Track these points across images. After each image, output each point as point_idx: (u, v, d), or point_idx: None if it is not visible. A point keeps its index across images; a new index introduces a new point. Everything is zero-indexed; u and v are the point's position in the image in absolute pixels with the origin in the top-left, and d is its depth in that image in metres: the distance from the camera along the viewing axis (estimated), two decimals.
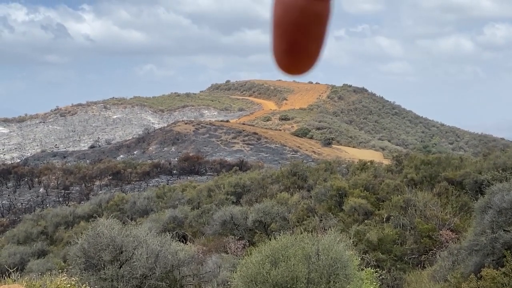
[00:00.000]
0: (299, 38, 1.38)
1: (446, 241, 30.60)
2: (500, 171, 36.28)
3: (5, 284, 16.85)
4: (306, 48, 1.39)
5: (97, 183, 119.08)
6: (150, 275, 21.93)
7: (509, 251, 20.99)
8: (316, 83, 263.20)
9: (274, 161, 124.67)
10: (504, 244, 21.54)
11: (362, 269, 22.09)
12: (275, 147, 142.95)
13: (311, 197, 44.68)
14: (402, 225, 34.00)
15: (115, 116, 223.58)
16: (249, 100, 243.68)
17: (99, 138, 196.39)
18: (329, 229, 24.67)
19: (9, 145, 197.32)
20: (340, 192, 40.91)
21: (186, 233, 43.89)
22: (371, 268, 23.34)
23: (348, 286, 18.49)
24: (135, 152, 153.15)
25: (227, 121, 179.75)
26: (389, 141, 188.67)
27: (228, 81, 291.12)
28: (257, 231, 39.93)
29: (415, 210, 34.57)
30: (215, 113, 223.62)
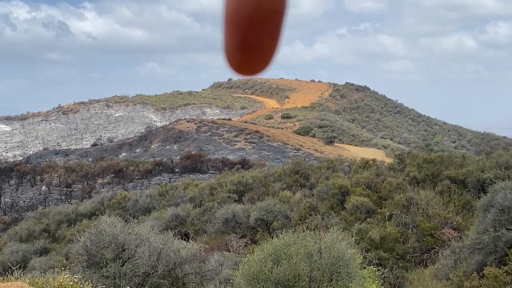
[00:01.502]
0: (252, 34, 1.31)
1: (449, 240, 30.58)
2: (503, 170, 36.25)
3: (8, 282, 16.86)
4: (260, 45, 1.32)
5: (99, 181, 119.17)
6: (153, 273, 21.95)
7: (511, 250, 20.97)
8: (319, 81, 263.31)
9: (276, 159, 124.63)
10: (507, 242, 21.52)
11: (364, 268, 22.08)
12: (277, 145, 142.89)
13: (313, 195, 44.67)
14: (404, 224, 33.97)
15: (117, 114, 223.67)
16: (251, 98, 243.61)
17: (101, 136, 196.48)
18: (331, 227, 24.66)
19: (11, 143, 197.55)
20: (342, 191, 40.89)
21: (188, 231, 43.91)
22: (373, 267, 23.33)
23: (350, 284, 18.48)
24: (137, 150, 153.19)
25: (229, 119, 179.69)
26: (391, 139, 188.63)
27: (230, 79, 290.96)
28: (259, 229, 39.93)
29: (417, 209, 34.54)
30: (217, 111, 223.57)
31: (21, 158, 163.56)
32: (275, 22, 1.32)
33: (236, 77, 1.43)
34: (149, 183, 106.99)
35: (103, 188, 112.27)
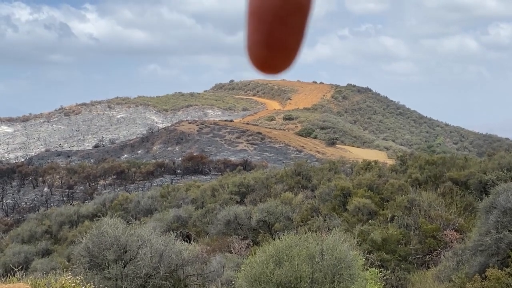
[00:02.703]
0: (277, 28, 1.25)
1: (451, 241, 30.55)
2: (505, 171, 36.21)
3: (10, 283, 16.87)
4: (284, 41, 1.26)
5: (101, 182, 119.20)
6: (154, 274, 21.94)
7: None
8: (320, 83, 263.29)
9: (278, 160, 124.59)
10: (509, 244, 21.49)
11: (367, 269, 22.06)
12: (279, 146, 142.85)
13: (315, 197, 44.66)
14: (407, 225, 33.94)
15: (119, 116, 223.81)
16: (253, 99, 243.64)
17: (103, 137, 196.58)
18: (333, 229, 24.64)
19: (13, 144, 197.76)
20: (344, 192, 40.87)
21: (190, 233, 43.91)
22: (375, 268, 23.31)
23: (352, 286, 18.46)
24: (139, 152, 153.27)
25: (231, 120, 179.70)
26: (393, 141, 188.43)
27: (232, 81, 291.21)
28: (261, 230, 39.92)
29: (420, 210, 34.51)
30: (219, 113, 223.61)
31: (23, 160, 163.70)
32: (301, 17, 1.27)
33: (258, 75, 1.35)
34: (151, 185, 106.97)
35: (105, 189, 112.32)
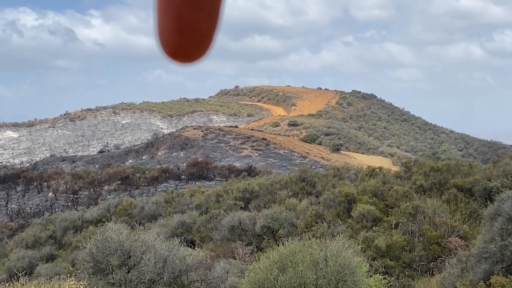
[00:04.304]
0: (186, 10, 1.14)
1: (455, 248, 30.46)
2: (510, 178, 36.10)
3: None
4: (197, 25, 1.16)
5: (106, 187, 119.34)
6: (158, 280, 21.95)
7: None
8: (325, 89, 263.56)
9: (282, 166, 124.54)
10: None
11: (371, 276, 22.02)
12: (284, 153, 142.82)
13: (319, 203, 44.61)
14: (411, 232, 33.86)
15: (124, 121, 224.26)
16: (258, 105, 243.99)
17: (108, 143, 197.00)
18: (338, 235, 24.60)
19: (18, 149, 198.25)
20: (348, 199, 40.82)
21: (194, 238, 43.89)
22: (379, 275, 23.26)
23: None
24: (143, 157, 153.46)
25: (236, 126, 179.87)
26: (398, 147, 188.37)
27: (237, 87, 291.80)
28: (265, 237, 39.89)
29: (424, 217, 34.43)
30: (223, 119, 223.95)
31: (28, 165, 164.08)
32: None
33: (172, 64, 1.24)
34: (156, 190, 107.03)
35: (109, 195, 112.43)
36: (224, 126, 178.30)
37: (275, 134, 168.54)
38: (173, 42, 1.16)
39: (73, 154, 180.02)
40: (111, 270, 21.60)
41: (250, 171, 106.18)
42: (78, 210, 79.02)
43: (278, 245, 21.09)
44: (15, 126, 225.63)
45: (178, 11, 1.14)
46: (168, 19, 1.14)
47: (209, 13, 1.16)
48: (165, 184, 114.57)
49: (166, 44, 1.16)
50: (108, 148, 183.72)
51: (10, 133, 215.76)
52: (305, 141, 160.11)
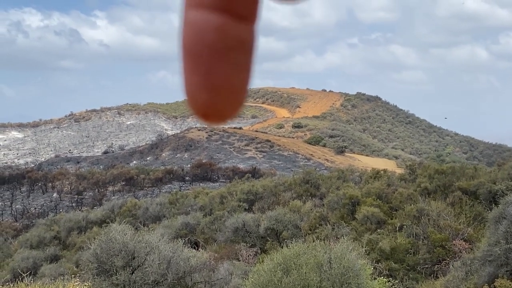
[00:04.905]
0: (216, 66, 1.02)
1: (460, 251, 30.40)
2: None
3: None
4: (227, 80, 1.02)
5: (110, 188, 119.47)
6: (162, 281, 21.96)
7: None
8: (330, 91, 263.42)
9: (286, 168, 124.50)
10: None
11: (375, 278, 21.98)
12: (288, 154, 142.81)
13: (323, 205, 44.57)
14: (415, 235, 33.80)
15: (128, 122, 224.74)
16: (262, 107, 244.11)
17: (112, 143, 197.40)
18: (342, 237, 24.58)
19: (23, 150, 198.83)
20: (352, 201, 40.78)
21: (198, 240, 43.90)
22: (383, 278, 23.23)
23: None
24: (148, 158, 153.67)
25: (240, 128, 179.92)
26: (402, 150, 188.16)
27: None
28: (269, 238, 39.87)
29: (429, 220, 34.37)
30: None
31: (32, 165, 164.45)
32: (244, 53, 1.04)
33: (203, 124, 1.14)
34: (160, 191, 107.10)
35: (113, 195, 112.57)
36: (228, 128, 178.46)
37: (279, 136, 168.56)
38: (202, 100, 1.05)
39: (78, 155, 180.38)
40: (115, 271, 21.62)
41: (254, 173, 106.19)
42: (82, 210, 79.17)
43: (282, 247, 21.07)
44: (20, 126, 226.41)
45: (207, 66, 1.03)
46: (196, 77, 1.04)
47: (239, 69, 1.04)
48: (169, 185, 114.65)
49: (195, 103, 1.06)
50: (113, 149, 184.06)
51: (15, 134, 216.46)
52: (310, 143, 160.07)
